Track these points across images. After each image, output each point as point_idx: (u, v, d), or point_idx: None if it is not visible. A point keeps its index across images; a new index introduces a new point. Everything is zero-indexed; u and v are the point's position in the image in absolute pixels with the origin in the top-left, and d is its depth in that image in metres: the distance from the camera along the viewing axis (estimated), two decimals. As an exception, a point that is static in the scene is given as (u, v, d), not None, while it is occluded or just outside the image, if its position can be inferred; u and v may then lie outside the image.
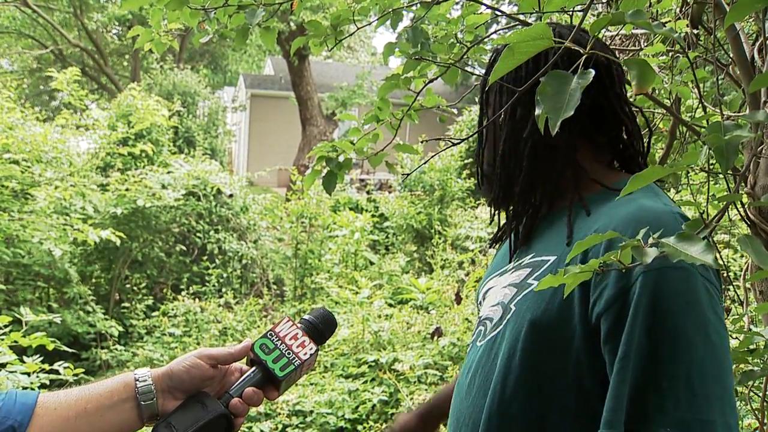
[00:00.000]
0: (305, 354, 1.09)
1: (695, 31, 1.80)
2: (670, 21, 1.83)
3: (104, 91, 23.57)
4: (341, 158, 2.21)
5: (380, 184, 16.28)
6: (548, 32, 0.74)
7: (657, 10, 1.90)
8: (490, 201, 1.23)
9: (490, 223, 1.33)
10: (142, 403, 1.03)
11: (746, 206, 1.51)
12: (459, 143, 1.50)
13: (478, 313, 1.24)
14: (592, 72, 0.71)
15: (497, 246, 1.36)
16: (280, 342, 1.10)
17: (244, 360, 1.12)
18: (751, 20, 1.93)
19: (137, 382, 1.04)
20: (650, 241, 0.80)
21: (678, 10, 1.84)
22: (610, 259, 0.84)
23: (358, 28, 1.87)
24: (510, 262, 1.24)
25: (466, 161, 10.07)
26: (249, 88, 23.76)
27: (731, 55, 1.69)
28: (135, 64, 22.43)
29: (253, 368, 1.09)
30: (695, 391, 0.87)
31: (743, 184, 1.56)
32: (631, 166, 1.16)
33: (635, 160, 1.16)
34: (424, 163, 1.42)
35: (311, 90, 16.63)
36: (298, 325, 1.12)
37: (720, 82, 1.72)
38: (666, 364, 0.89)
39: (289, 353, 1.09)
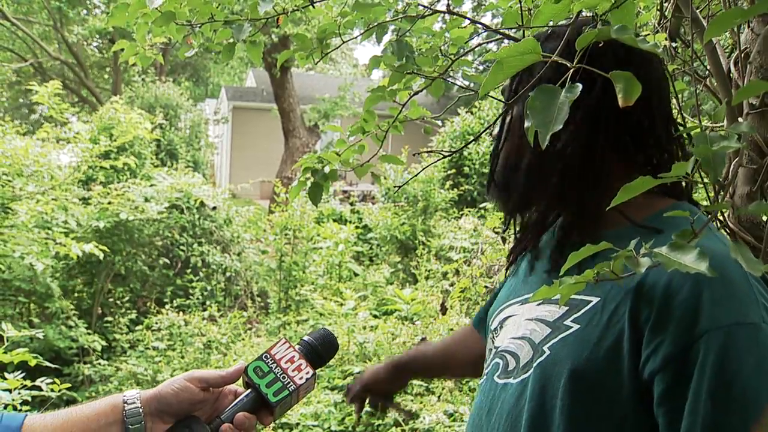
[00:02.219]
0: (301, 378, 1.04)
1: (673, 44, 1.84)
2: (649, 34, 1.87)
3: (85, 104, 23.43)
4: (327, 169, 2.23)
5: (363, 196, 16.29)
6: (536, 47, 0.76)
7: (636, 24, 1.94)
8: (504, 207, 1.14)
9: (504, 231, 1.26)
10: (130, 426, 0.99)
11: (726, 215, 1.55)
12: (449, 156, 1.52)
13: (492, 341, 1.14)
14: (579, 86, 0.73)
15: (511, 266, 1.25)
16: (275, 365, 1.05)
17: (241, 381, 1.07)
18: (726, 34, 1.97)
19: (125, 405, 1.00)
20: (642, 251, 0.80)
21: (656, 23, 1.88)
22: (603, 270, 0.84)
23: (344, 42, 1.89)
24: (515, 275, 1.18)
25: (449, 172, 10.12)
26: (231, 101, 23.72)
27: (708, 68, 1.73)
28: (116, 77, 22.34)
29: (247, 391, 1.05)
30: None
31: (722, 193, 1.59)
32: (675, 192, 1.04)
33: (678, 186, 1.04)
34: (414, 176, 1.44)
35: (294, 102, 16.65)
36: (296, 347, 1.07)
37: (698, 93, 1.76)
38: None
39: (284, 377, 1.04)
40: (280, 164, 16.64)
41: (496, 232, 6.91)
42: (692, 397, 0.82)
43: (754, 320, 0.83)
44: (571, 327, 0.96)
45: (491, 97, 1.09)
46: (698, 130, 1.18)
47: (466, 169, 10.82)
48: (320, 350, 1.09)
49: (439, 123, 10.70)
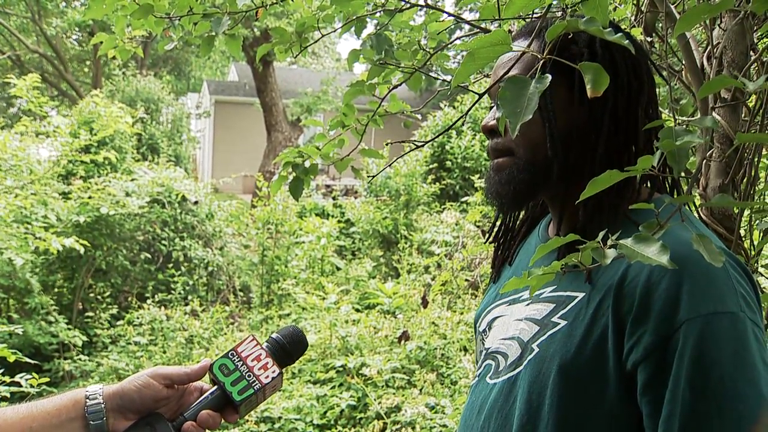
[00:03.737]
0: (266, 377, 1.03)
1: (649, 39, 1.86)
2: (626, 29, 1.89)
3: (65, 98, 23.19)
4: (307, 164, 2.24)
5: (346, 190, 16.28)
6: (507, 38, 0.77)
7: (613, 18, 1.96)
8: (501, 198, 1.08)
9: (488, 239, 1.24)
10: (91, 422, 0.96)
11: (698, 207, 1.57)
12: (423, 145, 1.53)
13: (482, 343, 1.15)
14: (549, 77, 0.74)
15: (497, 268, 1.26)
16: (241, 363, 1.03)
17: (208, 378, 1.06)
18: (700, 28, 2.00)
19: (87, 400, 0.98)
20: (609, 242, 0.82)
21: (633, 18, 1.91)
22: (572, 260, 0.85)
23: (323, 35, 1.89)
24: (497, 280, 1.20)
25: (431, 166, 10.15)
26: (213, 95, 23.59)
27: (683, 62, 1.76)
28: (96, 71, 22.12)
29: (213, 389, 1.04)
30: None
31: (695, 186, 1.62)
32: (659, 185, 1.06)
33: (660, 179, 1.05)
34: (389, 165, 1.46)
35: (276, 96, 16.59)
36: (264, 345, 1.06)
37: (673, 87, 1.78)
38: (713, 420, 0.82)
39: (249, 375, 1.03)
40: (262, 158, 16.60)
41: (478, 226, 6.95)
42: (672, 385, 0.84)
43: (732, 309, 0.85)
44: (559, 323, 0.97)
45: (467, 89, 1.09)
46: (670, 124, 1.21)
47: (449, 163, 10.84)
48: (288, 348, 1.07)
49: (419, 117, 10.70)
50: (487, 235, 1.25)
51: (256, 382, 1.02)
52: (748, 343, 0.84)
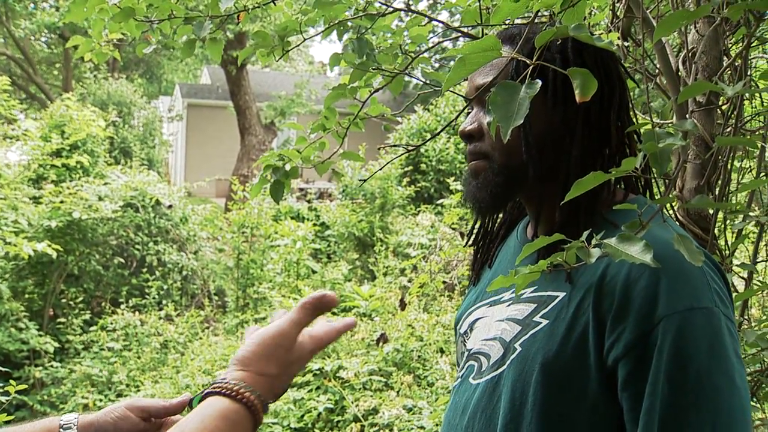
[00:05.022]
0: None
1: (625, 44, 1.90)
2: (602, 33, 1.93)
3: (34, 101, 22.84)
4: (288, 167, 2.24)
5: (320, 193, 16.26)
6: (497, 44, 0.79)
7: (589, 23, 2.00)
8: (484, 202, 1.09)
9: (467, 242, 1.26)
10: None
11: (675, 208, 1.61)
12: (412, 150, 1.54)
13: (464, 344, 1.16)
14: (539, 82, 0.76)
15: (476, 271, 1.27)
16: None
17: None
18: (675, 34, 2.05)
19: (61, 430, 0.95)
20: (593, 242, 0.84)
21: (609, 23, 1.94)
22: (557, 259, 0.88)
23: (305, 39, 1.90)
24: (477, 283, 1.22)
25: (406, 169, 10.18)
26: (185, 98, 23.41)
27: (658, 66, 1.80)
28: (67, 74, 21.84)
29: None
30: None
31: (673, 187, 1.66)
32: (635, 188, 1.08)
33: (636, 181, 1.08)
34: (380, 169, 1.47)
35: (250, 99, 16.52)
36: None
37: (648, 91, 1.82)
38: (691, 412, 0.85)
39: None
40: (236, 162, 16.50)
41: (453, 229, 6.99)
42: (651, 379, 0.87)
43: (707, 305, 0.88)
44: (540, 323, 0.99)
45: (453, 92, 1.11)
46: (648, 127, 1.24)
47: (423, 166, 10.89)
48: None
49: (399, 120, 10.73)
50: (466, 239, 1.27)
51: None
52: (723, 337, 0.88)
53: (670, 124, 1.50)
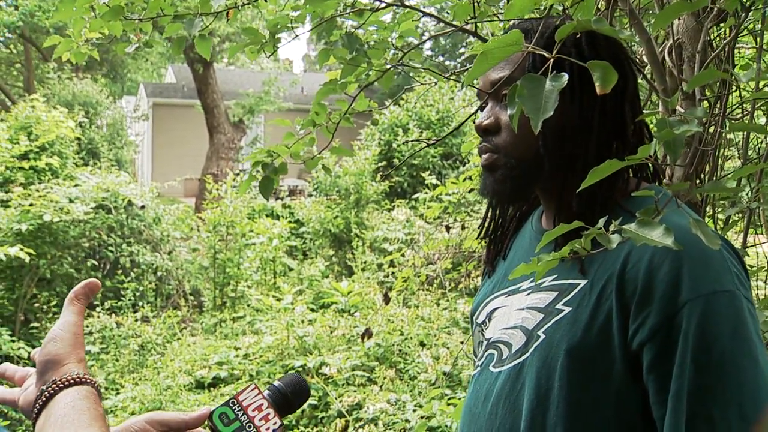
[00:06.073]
0: (268, 429, 0.99)
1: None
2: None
3: (-6, 103, 22.34)
4: (276, 163, 2.25)
5: (290, 190, 16.20)
6: (520, 39, 0.81)
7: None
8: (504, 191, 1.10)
9: (480, 235, 1.27)
10: None
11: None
12: (435, 143, 1.56)
13: (481, 334, 1.18)
14: (565, 75, 0.78)
15: (491, 263, 1.28)
16: (242, 412, 1.00)
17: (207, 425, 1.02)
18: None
19: None
20: (611, 228, 0.87)
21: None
22: (575, 246, 0.90)
23: (297, 36, 1.91)
24: (492, 274, 1.23)
25: (379, 164, 10.20)
26: (150, 97, 23.13)
27: (644, 57, 1.84)
28: (28, 74, 21.40)
29: None
30: (747, 417, 0.87)
31: (663, 176, 1.70)
32: (647, 174, 1.11)
33: (647, 170, 1.11)
34: (405, 159, 1.47)
35: (217, 97, 16.38)
36: (265, 394, 1.03)
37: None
38: (717, 392, 0.88)
39: (249, 426, 0.99)
40: (205, 161, 16.36)
41: (429, 223, 7.03)
42: (678, 361, 0.89)
43: (729, 288, 0.91)
44: (563, 310, 1.00)
45: (472, 86, 1.11)
46: (651, 116, 1.27)
47: (396, 161, 10.93)
48: (290, 398, 1.04)
49: (385, 113, 10.72)
50: (479, 231, 1.29)
51: None
52: (745, 319, 0.91)
53: (683, 113, 1.53)
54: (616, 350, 0.95)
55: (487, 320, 1.17)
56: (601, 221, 0.88)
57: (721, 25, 1.74)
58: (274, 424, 1.00)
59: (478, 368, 1.14)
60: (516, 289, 1.13)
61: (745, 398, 0.87)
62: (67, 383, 0.86)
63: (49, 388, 0.85)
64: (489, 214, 1.28)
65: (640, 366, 0.93)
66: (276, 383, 1.05)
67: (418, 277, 5.77)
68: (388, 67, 1.84)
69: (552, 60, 0.83)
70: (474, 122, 1.15)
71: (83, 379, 0.87)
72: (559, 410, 0.97)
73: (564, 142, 1.05)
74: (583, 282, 1.00)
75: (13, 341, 6.65)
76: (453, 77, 1.95)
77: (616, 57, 1.05)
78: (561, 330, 0.99)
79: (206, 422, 1.01)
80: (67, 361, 0.89)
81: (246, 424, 0.99)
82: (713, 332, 0.89)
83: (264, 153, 2.24)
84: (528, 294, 1.08)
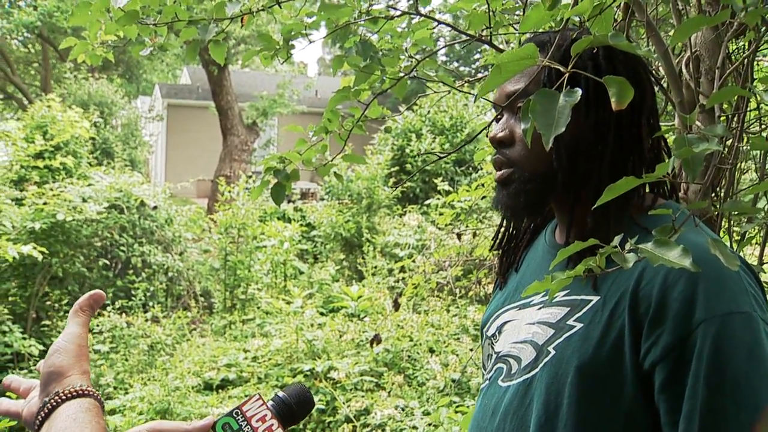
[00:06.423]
0: None
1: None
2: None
3: (11, 101, 22.55)
4: (289, 169, 2.24)
5: (302, 194, 16.23)
6: (535, 53, 0.80)
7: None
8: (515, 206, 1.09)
9: (493, 246, 1.26)
10: None
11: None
12: (446, 156, 1.54)
13: (491, 347, 1.17)
14: (579, 91, 0.77)
15: (503, 275, 1.27)
16: (245, 423, 0.99)
17: None
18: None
19: None
20: (627, 246, 0.85)
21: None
22: (589, 264, 0.88)
23: (311, 42, 1.90)
24: (504, 286, 1.22)
25: (392, 169, 10.19)
26: (165, 98, 23.24)
27: (660, 70, 1.82)
28: (45, 74, 21.58)
29: None
30: None
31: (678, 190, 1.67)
32: (663, 190, 1.10)
33: (664, 186, 1.10)
34: (432, 160, 1.46)
35: (231, 99, 16.44)
36: (269, 404, 1.02)
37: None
38: (730, 415, 0.86)
39: None
40: (218, 162, 16.41)
41: (441, 229, 7.00)
42: (691, 382, 0.88)
43: (746, 309, 0.89)
44: (575, 326, 0.99)
45: (486, 99, 1.10)
46: (669, 132, 1.25)
47: (409, 166, 10.91)
48: (294, 409, 1.03)
49: (398, 120, 10.71)
50: (492, 242, 1.28)
51: None
52: (761, 340, 0.89)
53: (702, 130, 1.51)
54: (627, 369, 0.93)
55: (497, 333, 1.16)
56: (617, 239, 0.86)
57: (740, 38, 1.72)
58: None
59: (487, 381, 1.13)
60: (527, 303, 1.11)
61: (760, 422, 0.85)
62: (69, 395, 0.86)
63: (52, 400, 0.85)
64: (503, 226, 1.27)
65: (652, 386, 0.92)
66: (280, 394, 1.04)
67: (428, 283, 5.75)
68: (401, 75, 1.83)
69: (567, 74, 0.82)
70: (488, 134, 1.14)
71: (86, 392, 0.87)
72: (568, 428, 0.96)
73: (578, 158, 1.03)
74: (595, 298, 0.99)
75: (24, 338, 6.69)
76: (466, 87, 1.93)
77: (634, 71, 1.03)
78: (572, 346, 0.98)
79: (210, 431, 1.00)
80: (71, 373, 0.89)
81: None
82: (728, 353, 0.87)
83: (276, 159, 2.24)
84: (539, 308, 1.07)
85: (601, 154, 1.02)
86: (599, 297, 0.98)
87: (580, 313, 0.99)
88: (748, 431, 0.85)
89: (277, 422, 0.99)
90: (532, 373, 1.02)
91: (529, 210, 1.10)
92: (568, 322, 1.00)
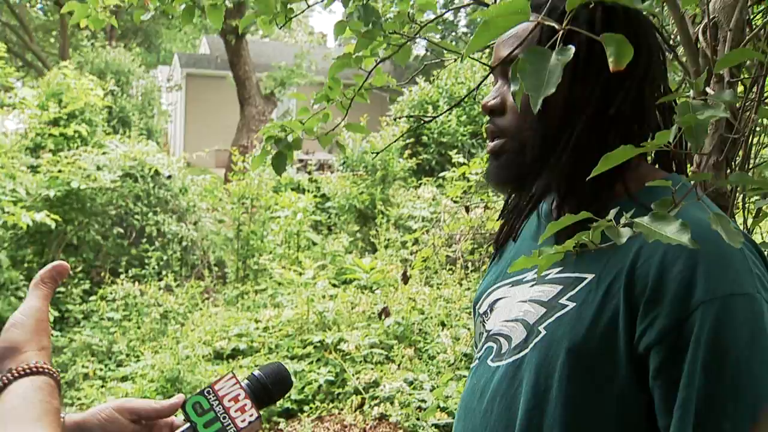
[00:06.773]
0: (243, 421, 0.94)
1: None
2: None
3: (30, 69, 22.63)
4: (290, 138, 2.18)
5: (320, 165, 16.18)
6: (526, 6, 0.73)
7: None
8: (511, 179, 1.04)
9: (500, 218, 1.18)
10: None
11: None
12: (429, 121, 1.48)
13: (482, 325, 1.11)
14: (572, 48, 0.70)
15: (499, 246, 1.20)
16: (217, 403, 0.95)
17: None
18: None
19: None
20: (623, 220, 0.79)
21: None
22: (582, 238, 0.82)
23: (309, 6, 1.83)
24: (500, 259, 1.15)
25: (407, 141, 10.09)
26: (184, 68, 23.20)
27: (676, 36, 1.74)
28: (63, 41, 21.58)
29: (185, 426, 0.95)
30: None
31: (689, 163, 1.60)
32: (667, 163, 1.03)
33: (670, 158, 1.03)
34: (392, 143, 1.42)
35: (249, 69, 16.35)
36: (244, 384, 0.98)
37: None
38: (729, 404, 0.81)
39: (224, 417, 0.94)
40: (236, 132, 16.39)
41: (455, 202, 6.94)
42: (687, 369, 0.82)
43: (749, 291, 0.83)
44: (567, 305, 0.93)
45: (473, 59, 1.03)
46: (674, 99, 1.18)
47: (425, 138, 10.80)
48: (270, 389, 0.99)
49: (404, 90, 10.61)
50: (500, 212, 1.20)
51: (231, 425, 0.94)
52: (764, 325, 0.82)
53: (709, 96, 1.43)
54: (620, 352, 0.87)
55: (488, 311, 1.10)
56: (612, 212, 0.80)
57: (762, 2, 1.63)
58: (251, 415, 0.95)
59: (477, 361, 1.08)
60: (520, 279, 1.05)
61: (759, 411, 0.79)
62: (23, 373, 0.81)
63: (4, 378, 0.80)
64: (509, 196, 1.18)
65: (646, 370, 0.86)
66: (256, 372, 1.00)
67: (438, 257, 5.70)
68: (404, 40, 1.76)
69: (562, 33, 0.75)
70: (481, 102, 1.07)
71: (41, 369, 0.81)
72: (557, 412, 0.90)
73: (571, 125, 0.95)
74: (589, 276, 0.92)
75: (39, 304, 6.76)
76: (485, 58, 1.86)
77: (634, 33, 0.95)
78: (563, 327, 0.92)
79: (180, 411, 0.96)
80: (27, 349, 0.83)
81: (221, 414, 0.94)
82: (728, 338, 0.81)
83: (277, 128, 2.18)
84: (532, 285, 1.01)
85: (598, 123, 0.95)
86: (594, 275, 0.92)
87: (573, 292, 0.93)
88: (748, 422, 0.80)
89: (251, 402, 0.96)
90: (522, 353, 0.97)
91: (520, 182, 1.03)
92: (560, 301, 0.94)
